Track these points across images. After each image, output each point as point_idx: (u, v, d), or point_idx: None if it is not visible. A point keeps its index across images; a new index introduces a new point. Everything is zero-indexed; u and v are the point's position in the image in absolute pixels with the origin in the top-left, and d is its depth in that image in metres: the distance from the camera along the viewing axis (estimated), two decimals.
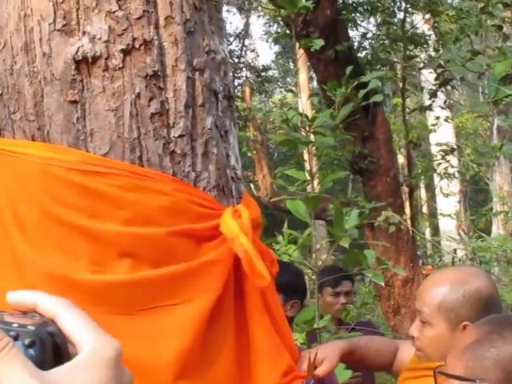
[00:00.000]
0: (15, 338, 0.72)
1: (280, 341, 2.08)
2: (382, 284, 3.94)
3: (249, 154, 15.48)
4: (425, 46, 8.24)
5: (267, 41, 28.11)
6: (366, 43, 10.04)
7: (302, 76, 18.93)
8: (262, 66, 20.24)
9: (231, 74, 2.30)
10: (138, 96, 1.85)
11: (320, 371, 2.38)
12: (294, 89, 29.49)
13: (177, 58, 1.89)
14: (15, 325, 0.74)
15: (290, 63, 30.16)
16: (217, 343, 1.91)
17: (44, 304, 0.79)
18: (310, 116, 3.52)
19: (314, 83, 22.71)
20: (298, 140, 3.50)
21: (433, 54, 8.62)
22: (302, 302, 3.80)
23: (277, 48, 29.95)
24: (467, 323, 2.36)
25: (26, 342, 0.73)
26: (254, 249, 1.88)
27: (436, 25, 8.57)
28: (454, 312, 2.41)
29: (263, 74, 18.15)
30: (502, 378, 1.85)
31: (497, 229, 10.76)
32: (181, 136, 1.89)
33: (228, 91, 2.07)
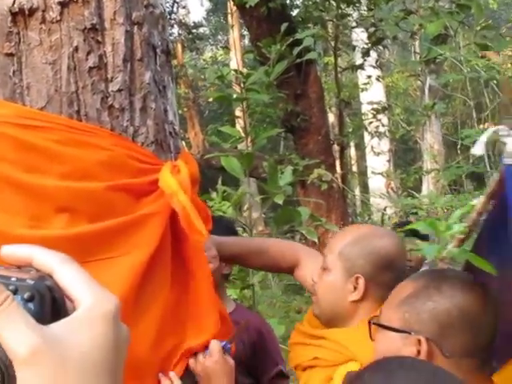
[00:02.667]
0: (14, 292, 0.71)
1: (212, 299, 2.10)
2: (316, 240, 3.98)
3: (180, 112, 15.39)
4: (357, 4, 8.26)
5: None
6: (298, 1, 10.03)
7: (234, 33, 18.82)
8: (194, 22, 20.04)
9: None
10: (76, 49, 1.83)
11: None
12: (225, 46, 29.35)
13: (115, 11, 1.88)
14: (13, 278, 0.73)
15: (222, 20, 29.95)
16: (152, 294, 1.92)
17: (40, 258, 0.77)
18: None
19: (246, 41, 22.64)
20: (232, 97, 3.51)
21: (365, 13, 8.65)
22: None
23: (208, 5, 29.70)
24: (359, 276, 2.40)
25: (26, 296, 0.72)
26: (192, 205, 1.89)
27: None
28: (351, 262, 2.44)
29: (194, 31, 17.97)
30: (437, 332, 1.89)
31: (427, 187, 10.93)
32: (119, 90, 1.88)
33: (166, 46, 2.06)
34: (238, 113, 16.88)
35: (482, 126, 9.67)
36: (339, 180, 7.76)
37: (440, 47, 5.15)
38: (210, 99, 22.21)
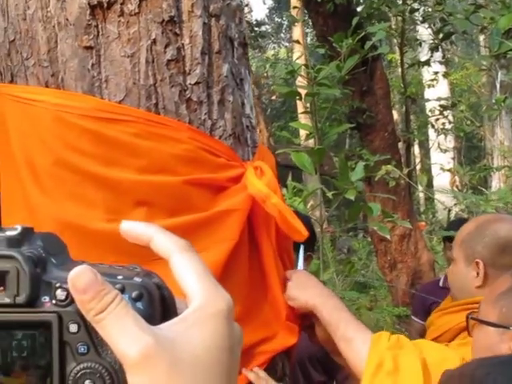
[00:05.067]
0: (121, 291, 0.68)
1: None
2: (388, 237, 3.92)
3: None
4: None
5: None
6: None
7: (297, 31, 18.78)
8: (256, 20, 20.07)
9: None
10: (154, 42, 1.81)
11: None
12: (287, 44, 29.36)
13: (193, 3, 1.85)
14: (120, 277, 0.70)
15: (284, 19, 29.96)
16: (231, 291, 1.90)
17: (160, 241, 0.73)
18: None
19: (308, 39, 22.59)
20: (300, 92, 3.47)
21: (430, 9, 8.55)
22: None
23: (270, 3, 29.74)
24: (478, 261, 2.45)
25: (134, 294, 0.69)
26: (286, 207, 1.89)
27: None
28: (472, 248, 2.49)
29: (257, 29, 18.00)
30: None
31: (497, 184, 10.77)
32: (197, 83, 1.86)
33: (243, 38, 2.04)
34: (300, 110, 16.89)
35: None
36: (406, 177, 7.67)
37: (511, 41, 5.05)
38: (273, 97, 22.26)
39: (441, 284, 5.24)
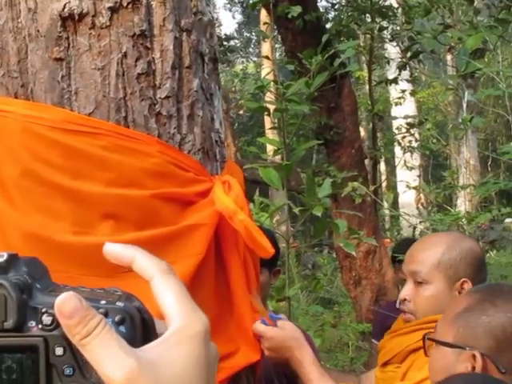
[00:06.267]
0: (105, 315, 0.71)
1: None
2: (354, 253, 3.94)
3: None
4: (392, 18, 8.24)
5: (230, 10, 28.02)
6: (331, 15, 10.00)
7: (266, 46, 18.86)
8: (225, 35, 20.10)
9: None
10: (125, 55, 1.82)
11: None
12: (255, 59, 29.44)
13: (164, 17, 1.86)
14: (103, 301, 0.73)
15: (253, 34, 30.09)
16: (198, 304, 1.90)
17: (142, 263, 0.78)
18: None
19: (277, 54, 22.65)
20: (269, 108, 3.49)
21: (398, 27, 8.63)
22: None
23: (240, 18, 29.86)
24: (466, 279, 2.46)
25: (116, 318, 0.72)
26: (253, 223, 1.89)
27: None
28: (453, 269, 2.49)
29: (226, 43, 18.02)
30: (492, 346, 1.86)
31: (462, 202, 10.88)
32: (167, 97, 1.86)
33: (214, 54, 2.05)
34: (267, 125, 16.93)
35: None
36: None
37: (478, 61, 5.11)
38: (241, 111, 22.30)
39: (397, 305, 5.23)
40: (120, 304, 0.73)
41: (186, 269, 1.83)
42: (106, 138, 1.78)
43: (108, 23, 1.80)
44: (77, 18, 1.79)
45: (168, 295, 0.75)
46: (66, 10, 1.78)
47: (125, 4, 1.81)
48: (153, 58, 1.85)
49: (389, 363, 2.61)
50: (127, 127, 1.82)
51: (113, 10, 1.80)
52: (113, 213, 1.78)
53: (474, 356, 1.85)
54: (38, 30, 1.80)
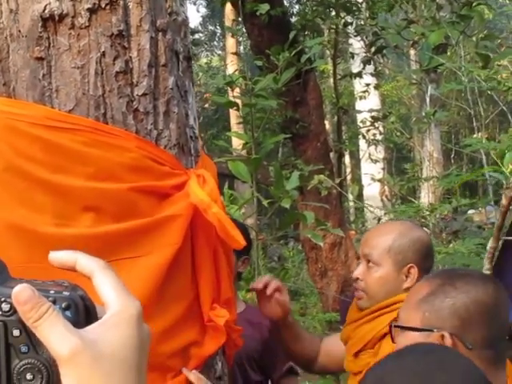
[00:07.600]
0: (53, 303, 0.84)
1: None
2: (321, 244, 4.04)
3: None
4: (356, 13, 8.32)
5: (195, 3, 27.96)
6: (295, 9, 10.06)
7: (231, 40, 18.91)
8: (190, 28, 20.09)
9: None
10: (103, 54, 1.89)
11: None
12: (219, 52, 29.42)
13: (141, 18, 1.94)
14: (52, 291, 0.86)
15: (217, 28, 30.04)
16: (174, 293, 1.98)
17: (83, 263, 0.90)
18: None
19: (241, 47, 22.68)
20: (237, 103, 3.57)
21: (363, 22, 8.71)
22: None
23: (204, 11, 29.81)
24: (412, 265, 2.66)
25: (63, 305, 0.85)
26: (226, 216, 1.97)
27: None
28: (402, 254, 2.69)
29: (190, 37, 18.01)
30: (458, 326, 1.95)
31: (426, 194, 11.02)
32: (144, 94, 1.94)
33: (188, 52, 2.13)
34: (233, 119, 16.97)
35: (475, 136, 9.74)
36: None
37: (441, 56, 5.22)
38: (206, 105, 22.28)
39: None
40: (66, 293, 0.86)
41: (163, 258, 1.92)
42: (86, 133, 1.85)
43: (87, 24, 1.88)
44: (57, 18, 1.86)
45: (106, 285, 0.88)
46: (46, 11, 1.86)
47: (103, 5, 1.89)
48: (130, 57, 1.93)
49: (362, 351, 2.72)
50: (106, 123, 1.89)
51: (91, 11, 1.88)
52: (93, 205, 1.86)
53: (442, 336, 1.94)
54: (20, 31, 1.87)
